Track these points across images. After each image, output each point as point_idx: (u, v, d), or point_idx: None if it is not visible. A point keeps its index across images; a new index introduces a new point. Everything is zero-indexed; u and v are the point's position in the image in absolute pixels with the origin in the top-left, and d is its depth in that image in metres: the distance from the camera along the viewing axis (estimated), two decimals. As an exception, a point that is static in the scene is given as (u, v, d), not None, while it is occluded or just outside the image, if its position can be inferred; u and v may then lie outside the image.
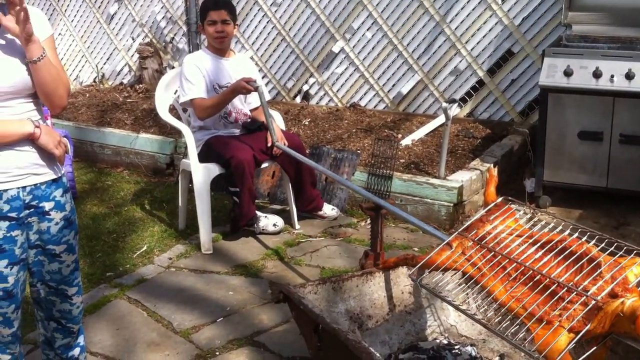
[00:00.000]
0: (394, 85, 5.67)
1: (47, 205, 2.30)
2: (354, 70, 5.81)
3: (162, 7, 6.60)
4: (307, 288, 2.60)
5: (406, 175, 4.37)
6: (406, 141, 5.03)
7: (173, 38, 6.64)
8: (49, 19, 2.23)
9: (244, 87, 3.86)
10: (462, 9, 5.27)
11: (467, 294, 2.40)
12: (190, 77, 3.99)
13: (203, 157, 4.00)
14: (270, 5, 6.06)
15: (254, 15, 6.15)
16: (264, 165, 4.15)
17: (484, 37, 5.24)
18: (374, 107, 5.80)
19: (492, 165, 4.29)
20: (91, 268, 3.75)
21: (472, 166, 4.50)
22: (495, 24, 5.17)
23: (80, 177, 5.15)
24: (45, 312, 2.42)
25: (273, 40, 6.12)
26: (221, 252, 3.93)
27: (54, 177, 2.32)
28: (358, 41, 5.74)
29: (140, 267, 3.77)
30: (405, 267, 2.73)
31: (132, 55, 6.83)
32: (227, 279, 3.60)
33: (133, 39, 6.84)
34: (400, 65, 5.60)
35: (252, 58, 6.04)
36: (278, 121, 4.29)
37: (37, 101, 2.26)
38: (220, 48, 4.09)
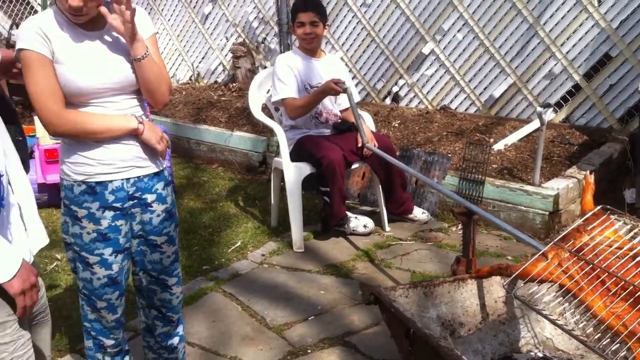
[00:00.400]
0: (485, 89, 5.62)
1: (150, 197, 2.40)
2: (445, 72, 5.79)
3: (254, 8, 6.75)
4: (398, 291, 2.63)
5: (499, 181, 4.33)
6: (498, 146, 4.98)
7: (265, 38, 6.78)
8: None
9: (333, 88, 3.92)
10: (556, 10, 5.17)
11: (564, 307, 2.37)
12: (282, 76, 4.09)
13: (295, 156, 4.09)
14: (360, 6, 6.10)
15: (344, 16, 6.21)
16: (354, 166, 4.21)
17: (579, 40, 5.12)
18: (465, 110, 5.76)
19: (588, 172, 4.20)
20: (188, 260, 3.91)
21: (569, 174, 4.40)
22: (592, 26, 5.04)
23: (177, 172, 5.35)
24: (147, 301, 2.53)
25: (363, 41, 6.17)
26: (312, 251, 4.02)
27: (156, 170, 2.42)
28: (448, 43, 5.72)
29: (234, 261, 3.91)
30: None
31: (225, 55, 7.01)
32: (318, 278, 3.69)
33: (227, 39, 7.03)
34: (492, 68, 5.54)
35: (341, 59, 6.10)
36: (368, 122, 4.34)
37: (140, 97, 2.36)
38: (310, 48, 4.17)
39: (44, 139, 4.69)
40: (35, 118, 4.76)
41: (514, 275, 2.41)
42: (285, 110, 4.14)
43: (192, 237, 4.23)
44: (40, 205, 4.72)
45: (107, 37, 2.27)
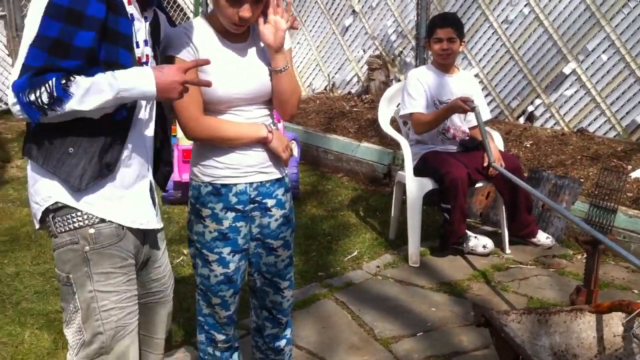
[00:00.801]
0: (628, 113, 5.32)
1: (270, 202, 2.50)
2: (585, 94, 5.55)
3: (394, 21, 6.79)
4: (511, 316, 2.56)
5: (632, 211, 4.09)
6: (636, 174, 4.70)
7: (401, 52, 6.80)
8: (289, 29, 2.42)
9: (461, 106, 3.87)
10: None
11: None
12: (412, 91, 4.10)
13: (418, 170, 4.08)
14: (502, 22, 5.98)
15: (484, 32, 6.11)
16: (479, 184, 4.13)
17: None
18: (604, 134, 5.48)
19: None
20: (305, 266, 3.99)
21: None
22: None
23: (304, 178, 5.48)
24: (259, 301, 2.62)
25: (501, 58, 6.04)
26: (427, 267, 3.99)
27: (279, 176, 2.52)
28: (592, 63, 5.47)
29: (349, 271, 3.95)
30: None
31: (361, 67, 7.10)
32: (430, 294, 3.65)
33: (364, 51, 7.12)
34: (637, 92, 5.25)
35: (477, 75, 6.01)
36: (497, 141, 4.24)
37: (270, 107, 2.46)
38: (444, 64, 4.14)
39: (183, 140, 4.96)
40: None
41: (635, 313, 2.29)
42: (412, 124, 4.15)
43: (311, 243, 4.32)
44: (174, 202, 4.99)
45: (250, 49, 2.38)
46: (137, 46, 2.02)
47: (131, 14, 1.99)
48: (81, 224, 2.00)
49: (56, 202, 2.00)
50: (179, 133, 5.03)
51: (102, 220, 2.02)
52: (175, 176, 4.95)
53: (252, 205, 2.47)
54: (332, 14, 7.29)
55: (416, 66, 6.35)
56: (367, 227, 4.58)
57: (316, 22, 7.47)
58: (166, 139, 2.28)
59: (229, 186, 2.42)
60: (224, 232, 2.44)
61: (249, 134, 2.37)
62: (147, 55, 2.07)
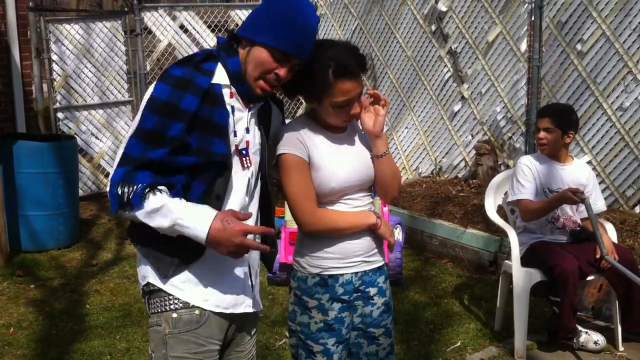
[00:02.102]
0: None
1: (372, 290, 2.52)
2: None
3: (503, 107, 6.78)
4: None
5: None
6: None
7: (511, 137, 6.75)
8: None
9: (570, 197, 3.79)
10: None
11: None
12: (521, 178, 4.05)
13: (526, 261, 3.98)
14: (616, 109, 5.84)
15: (597, 119, 5.98)
16: (590, 277, 3.97)
17: None
18: None
19: None
20: (406, 354, 3.93)
21: None
22: None
23: (407, 263, 5.46)
24: (359, 392, 2.60)
25: (615, 145, 5.87)
26: (534, 362, 3.84)
27: (380, 265, 2.56)
28: None
29: (451, 362, 3.86)
30: None
31: (469, 151, 7.09)
32: (537, 392, 3.50)
33: (472, 136, 7.11)
34: None
35: (589, 162, 5.85)
36: (610, 233, 4.09)
37: (371, 194, 2.54)
38: (554, 153, 4.08)
39: (290, 222, 5.09)
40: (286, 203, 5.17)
41: None
42: (519, 211, 4.09)
43: (413, 330, 4.26)
44: (280, 283, 5.09)
45: (352, 138, 2.49)
46: (235, 135, 2.14)
47: (232, 106, 2.14)
48: (166, 307, 2.12)
49: (148, 284, 2.15)
50: (287, 215, 5.18)
51: (186, 305, 2.12)
52: (281, 258, 5.06)
53: (356, 295, 2.50)
54: (441, 99, 7.37)
55: (526, 152, 6.28)
56: (471, 317, 4.48)
57: (424, 107, 7.57)
58: (271, 223, 2.37)
59: (336, 277, 2.47)
60: (329, 322, 2.48)
61: (361, 222, 2.45)
62: (247, 142, 2.18)
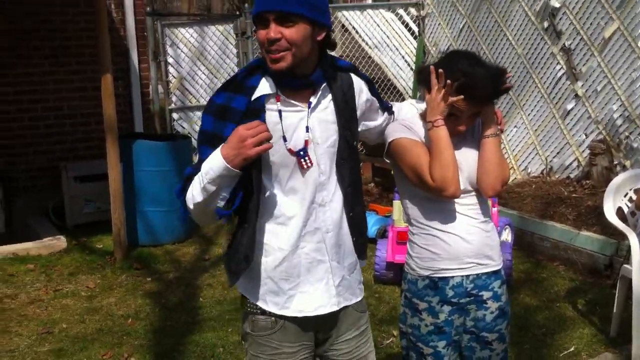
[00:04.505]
0: None
1: (486, 295, 2.49)
2: None
3: (620, 105, 6.49)
4: None
5: None
6: None
7: (628, 136, 6.45)
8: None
9: None
10: None
11: None
12: None
13: (646, 266, 3.81)
14: None
15: None
16: None
17: None
18: None
19: None
20: (518, 358, 3.85)
21: None
22: None
23: (517, 265, 5.33)
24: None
25: None
26: (654, 371, 3.66)
27: (495, 269, 2.52)
28: None
29: (565, 368, 3.75)
30: None
31: (582, 151, 6.83)
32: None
33: (586, 135, 6.85)
34: None
35: None
36: None
37: (476, 195, 2.51)
38: None
39: (399, 222, 5.09)
40: (395, 202, 5.17)
41: None
42: (637, 197, 3.90)
43: (524, 334, 4.16)
44: (386, 282, 5.10)
45: (458, 138, 2.48)
46: (285, 140, 2.12)
47: (279, 110, 2.11)
48: (248, 309, 2.22)
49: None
50: (395, 214, 5.18)
51: (263, 312, 2.19)
52: (388, 256, 5.07)
53: (467, 299, 2.48)
54: (553, 98, 7.14)
55: (644, 152, 6.00)
56: (585, 322, 4.32)
57: (535, 105, 7.35)
58: (361, 214, 2.32)
59: (446, 279, 2.45)
60: (439, 325, 2.47)
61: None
62: (305, 141, 2.14)
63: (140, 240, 6.17)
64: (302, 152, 2.13)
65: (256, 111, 2.09)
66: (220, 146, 2.04)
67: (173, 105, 7.87)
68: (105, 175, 5.87)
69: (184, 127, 7.86)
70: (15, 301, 5.01)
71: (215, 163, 2.03)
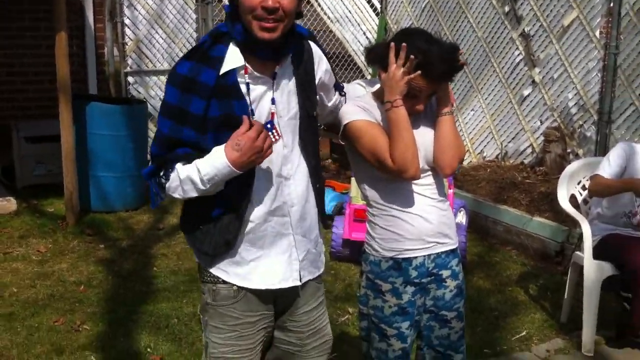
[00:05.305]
0: None
1: (445, 273, 2.52)
2: None
3: (575, 94, 6.62)
4: None
5: None
6: None
7: (582, 125, 6.60)
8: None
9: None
10: None
11: None
12: (612, 157, 3.90)
13: (597, 253, 3.90)
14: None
15: (676, 112, 5.81)
16: (665, 275, 3.87)
17: None
18: None
19: None
20: (471, 340, 3.91)
21: None
22: None
23: (471, 248, 5.42)
24: (427, 378, 2.59)
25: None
26: (602, 357, 3.78)
27: (453, 247, 2.55)
28: None
29: (517, 351, 3.83)
30: None
31: (537, 137, 6.96)
32: (605, 388, 3.46)
33: (541, 122, 6.98)
34: None
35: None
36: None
37: (432, 174, 2.51)
38: None
39: (356, 199, 5.10)
40: (353, 179, 5.17)
41: None
42: (589, 184, 3.98)
43: (477, 317, 4.24)
44: (342, 259, 5.12)
45: (415, 118, 2.46)
46: (253, 114, 2.08)
47: (247, 83, 2.07)
48: (207, 279, 2.20)
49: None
50: (352, 192, 5.18)
51: (224, 282, 2.18)
52: (345, 234, 5.08)
53: (429, 278, 2.51)
54: (510, 83, 7.23)
55: (597, 141, 6.14)
56: (536, 307, 4.43)
57: (493, 89, 7.44)
58: (320, 186, 2.32)
59: (410, 260, 2.47)
60: (403, 306, 2.49)
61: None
62: (271, 114, 2.12)
63: (93, 205, 6.03)
64: (269, 126, 2.11)
65: (228, 88, 2.04)
66: (223, 150, 2.02)
67: (129, 69, 7.65)
68: (57, 137, 5.70)
69: (139, 92, 7.66)
70: (-39, 263, 4.86)
71: (221, 170, 2.02)
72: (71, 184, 5.62)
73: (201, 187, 2.04)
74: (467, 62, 2.46)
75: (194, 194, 2.07)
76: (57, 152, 5.73)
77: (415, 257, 2.48)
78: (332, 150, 7.96)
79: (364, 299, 2.58)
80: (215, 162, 2.02)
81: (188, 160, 2.06)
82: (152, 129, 7.66)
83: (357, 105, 2.43)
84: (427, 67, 2.29)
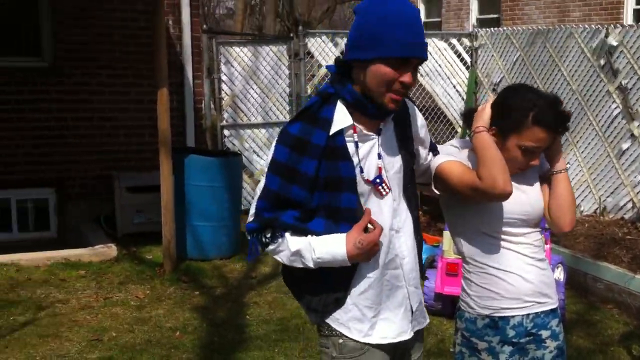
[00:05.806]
0: None
1: (544, 334, 2.44)
2: None
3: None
4: None
5: None
6: None
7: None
8: None
9: None
10: None
11: None
12: None
13: None
14: None
15: None
16: None
17: None
18: None
19: None
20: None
21: None
22: None
23: (569, 306, 5.23)
24: None
25: None
26: None
27: (553, 307, 2.47)
28: None
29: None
30: None
31: (637, 192, 6.71)
32: None
33: (642, 176, 6.74)
34: None
35: None
36: None
37: (539, 230, 2.47)
38: None
39: (448, 253, 5.03)
40: (445, 232, 5.11)
41: None
42: None
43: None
44: (434, 313, 5.03)
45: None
46: (362, 171, 2.11)
47: (355, 142, 2.11)
48: (333, 332, 2.18)
49: None
50: (445, 245, 5.12)
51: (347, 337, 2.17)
52: (437, 287, 5.01)
53: (527, 338, 2.44)
54: (608, 136, 7.04)
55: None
56: (642, 368, 4.22)
57: (589, 143, 7.26)
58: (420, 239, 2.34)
59: (507, 319, 2.42)
60: None
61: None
62: (379, 169, 2.15)
63: (189, 253, 6.21)
64: (378, 180, 2.14)
65: (337, 149, 2.09)
66: (344, 242, 2.08)
67: (225, 122, 7.94)
68: (156, 187, 5.94)
69: (234, 144, 7.93)
70: (67, 306, 5.07)
71: (337, 259, 2.08)
72: (169, 232, 5.82)
73: (310, 265, 2.11)
74: (571, 112, 2.47)
75: (298, 265, 2.13)
76: (156, 202, 5.96)
77: (513, 317, 2.42)
78: (422, 202, 7.92)
79: (460, 356, 2.54)
80: (334, 250, 2.08)
81: (296, 232, 2.12)
82: (246, 181, 7.90)
83: (446, 152, 2.45)
84: (542, 117, 2.29)
